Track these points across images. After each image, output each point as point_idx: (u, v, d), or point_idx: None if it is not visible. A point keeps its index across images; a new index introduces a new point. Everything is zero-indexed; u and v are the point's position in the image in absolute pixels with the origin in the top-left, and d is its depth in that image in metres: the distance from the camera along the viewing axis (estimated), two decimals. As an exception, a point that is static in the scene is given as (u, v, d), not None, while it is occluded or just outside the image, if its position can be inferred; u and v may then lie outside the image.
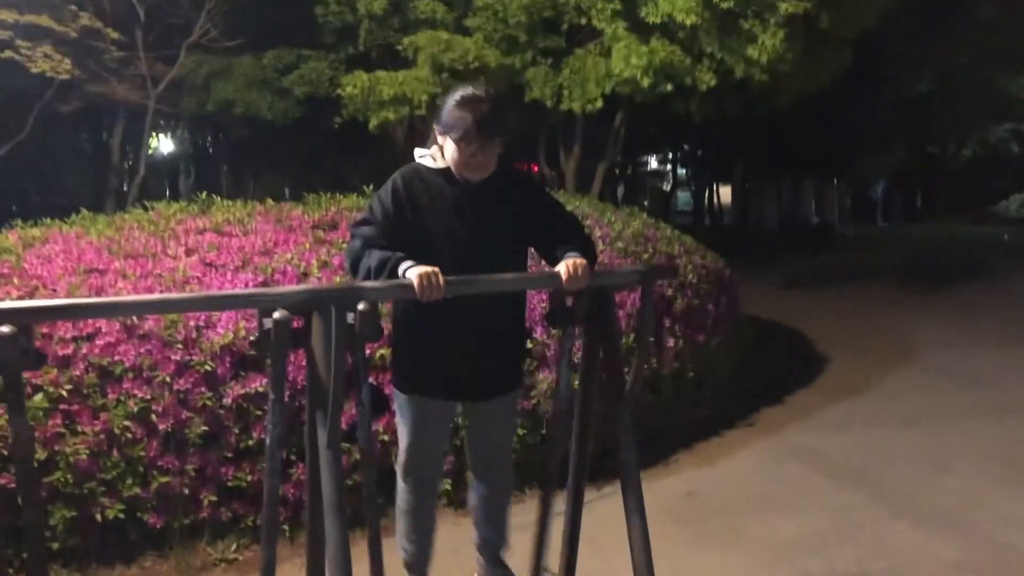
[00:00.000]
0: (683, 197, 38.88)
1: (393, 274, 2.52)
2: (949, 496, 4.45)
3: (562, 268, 2.64)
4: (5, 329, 2.21)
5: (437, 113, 2.79)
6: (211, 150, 23.66)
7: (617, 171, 27.46)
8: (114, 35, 12.89)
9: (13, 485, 3.31)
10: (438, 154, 2.81)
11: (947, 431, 5.63)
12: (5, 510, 3.31)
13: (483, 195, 2.80)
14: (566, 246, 2.76)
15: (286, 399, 2.71)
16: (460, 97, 2.70)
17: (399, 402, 3.00)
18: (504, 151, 2.80)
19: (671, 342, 5.19)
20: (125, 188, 16.87)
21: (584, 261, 2.67)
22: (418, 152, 2.89)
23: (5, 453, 3.33)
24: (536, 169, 15.34)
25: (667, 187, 37.58)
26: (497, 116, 2.71)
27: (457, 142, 2.70)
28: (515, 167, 3.25)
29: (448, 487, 4.15)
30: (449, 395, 2.95)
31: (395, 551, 3.13)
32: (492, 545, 3.27)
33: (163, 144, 19.20)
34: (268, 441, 2.51)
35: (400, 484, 3.09)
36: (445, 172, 2.80)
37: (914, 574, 3.59)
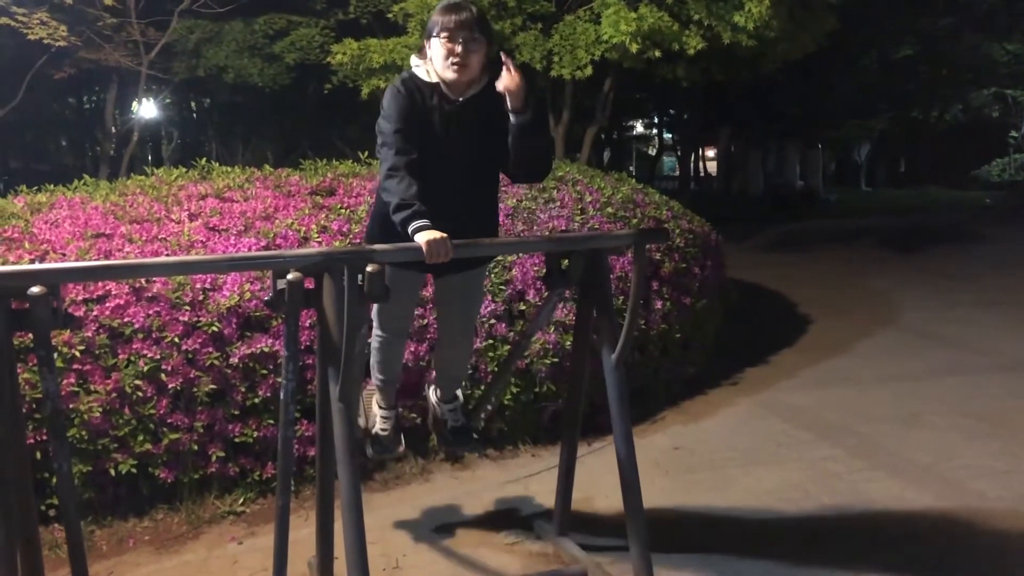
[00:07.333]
0: (668, 162, 38.95)
1: (405, 224, 2.65)
2: (922, 449, 4.66)
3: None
4: (36, 289, 2.35)
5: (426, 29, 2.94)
6: (195, 116, 23.50)
7: (603, 135, 27.52)
8: (108, 1, 12.78)
9: (31, 441, 3.46)
10: (430, 66, 2.92)
11: (922, 388, 5.83)
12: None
13: (470, 113, 2.91)
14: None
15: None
16: (442, 4, 2.90)
17: None
18: (488, 61, 2.92)
19: (659, 304, 5.35)
20: (112, 153, 16.82)
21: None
22: (413, 60, 2.99)
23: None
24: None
25: (652, 151, 37.63)
26: (478, 17, 2.88)
27: (440, 38, 2.84)
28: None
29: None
30: (422, 267, 2.96)
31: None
32: (447, 387, 3.56)
33: (144, 109, 19.01)
34: (283, 394, 2.66)
35: (376, 330, 3.31)
36: (436, 87, 2.91)
37: (888, 520, 3.79)
